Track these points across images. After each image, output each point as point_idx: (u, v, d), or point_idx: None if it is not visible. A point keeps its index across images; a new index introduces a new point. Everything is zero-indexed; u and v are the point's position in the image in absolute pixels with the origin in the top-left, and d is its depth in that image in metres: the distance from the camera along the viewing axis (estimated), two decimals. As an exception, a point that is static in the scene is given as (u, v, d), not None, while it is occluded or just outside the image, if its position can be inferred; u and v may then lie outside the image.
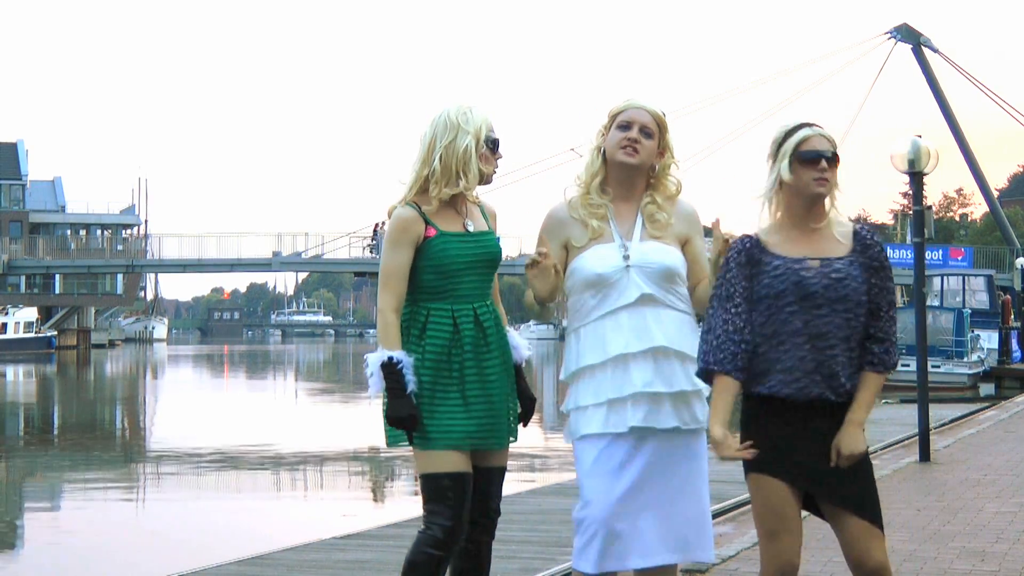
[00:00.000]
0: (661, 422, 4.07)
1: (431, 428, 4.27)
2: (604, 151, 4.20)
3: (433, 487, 4.28)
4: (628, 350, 4.06)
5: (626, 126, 4.15)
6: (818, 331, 3.90)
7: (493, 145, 4.39)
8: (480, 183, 4.41)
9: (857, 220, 4.08)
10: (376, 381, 4.26)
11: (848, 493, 3.91)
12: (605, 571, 4.09)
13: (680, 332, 4.13)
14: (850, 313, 3.93)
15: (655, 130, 4.17)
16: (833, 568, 6.42)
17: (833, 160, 3.96)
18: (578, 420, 4.17)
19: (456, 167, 4.31)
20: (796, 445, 3.92)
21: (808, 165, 3.93)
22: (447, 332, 4.31)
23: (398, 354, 4.24)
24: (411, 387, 4.23)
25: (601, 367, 4.09)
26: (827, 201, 3.99)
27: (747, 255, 3.97)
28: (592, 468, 4.09)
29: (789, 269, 3.95)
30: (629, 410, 4.05)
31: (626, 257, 4.11)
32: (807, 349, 3.91)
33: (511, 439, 4.47)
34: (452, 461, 4.26)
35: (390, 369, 4.21)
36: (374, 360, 4.25)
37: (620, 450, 4.06)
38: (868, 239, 3.99)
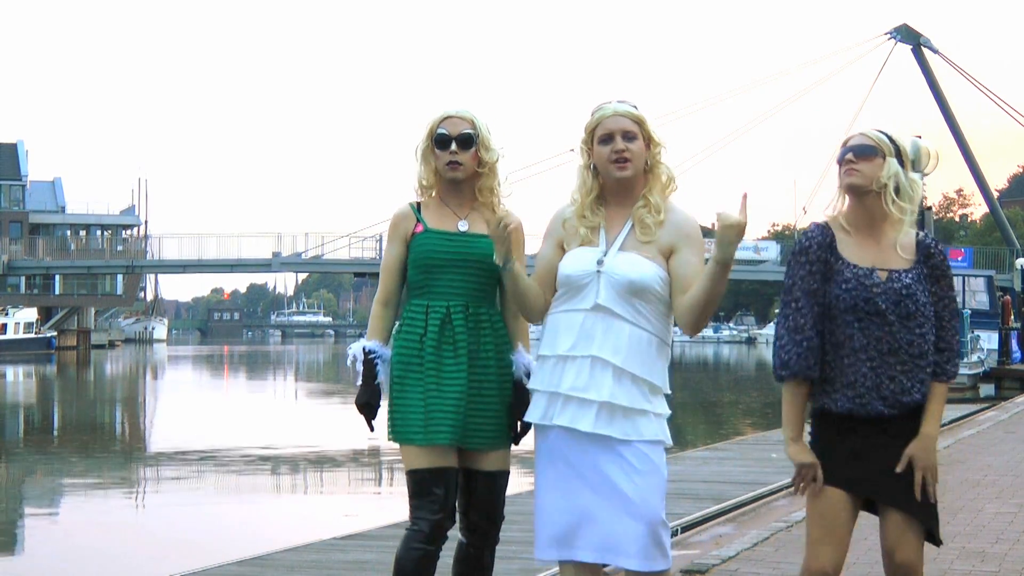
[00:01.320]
0: (585, 426, 4.05)
1: (397, 421, 4.36)
2: (595, 167, 4.18)
3: (416, 482, 4.32)
4: (570, 352, 4.09)
5: (608, 138, 4.12)
6: (890, 347, 3.91)
7: (439, 141, 4.40)
8: (450, 179, 4.42)
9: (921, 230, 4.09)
10: (357, 365, 4.47)
11: (903, 496, 3.94)
12: (552, 558, 4.17)
13: (630, 348, 4.06)
14: (921, 328, 3.93)
15: (636, 130, 4.13)
16: (833, 569, 6.41)
17: (865, 152, 3.97)
18: (531, 404, 4.27)
19: (422, 166, 4.51)
20: (860, 457, 3.95)
21: (842, 160, 4.02)
22: (418, 328, 4.38)
23: (372, 344, 4.43)
24: (380, 377, 4.42)
25: (546, 359, 4.17)
26: (866, 201, 3.97)
27: (818, 255, 3.96)
28: (538, 455, 4.18)
29: (860, 284, 3.93)
30: (559, 407, 4.10)
31: (599, 262, 4.09)
32: (870, 365, 3.92)
33: (503, 443, 4.44)
34: (429, 456, 4.30)
35: (364, 358, 4.42)
36: (354, 349, 4.48)
37: (547, 442, 4.14)
38: (932, 248, 4.01)
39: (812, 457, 3.97)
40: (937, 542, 4.03)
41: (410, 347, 4.38)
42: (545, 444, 4.16)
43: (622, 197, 4.18)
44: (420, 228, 4.43)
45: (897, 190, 3.97)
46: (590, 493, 4.06)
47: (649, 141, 4.17)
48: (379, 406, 4.42)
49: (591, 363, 4.07)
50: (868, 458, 3.95)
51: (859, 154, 3.97)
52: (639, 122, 4.14)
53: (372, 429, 4.47)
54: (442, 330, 4.36)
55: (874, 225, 4.00)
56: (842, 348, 3.93)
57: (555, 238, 4.24)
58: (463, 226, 4.43)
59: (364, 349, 4.42)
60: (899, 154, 3.99)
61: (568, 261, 4.16)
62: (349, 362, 4.48)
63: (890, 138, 4.01)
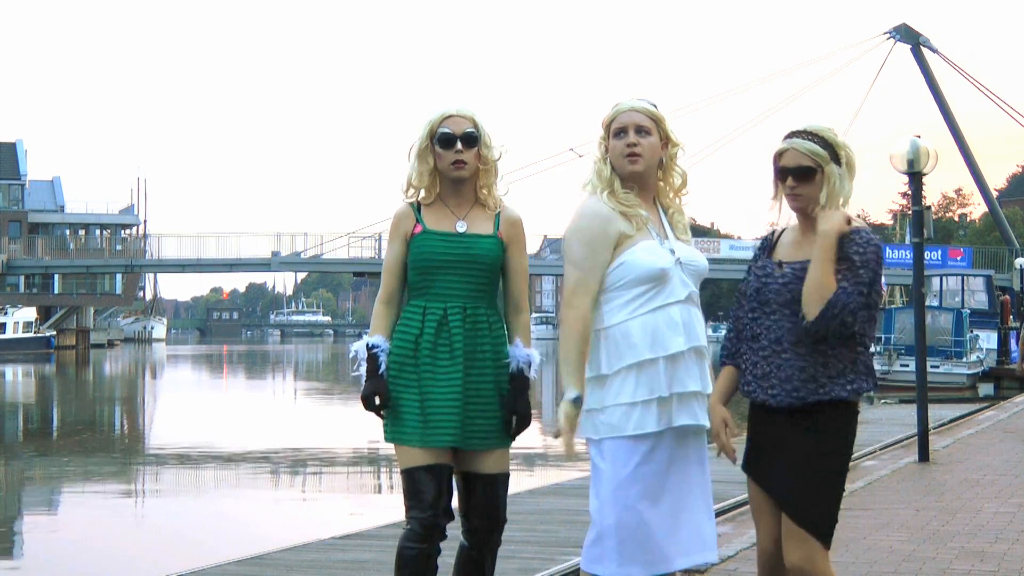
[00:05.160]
0: (701, 420, 4.07)
1: (396, 424, 4.37)
2: (610, 162, 4.17)
3: (408, 482, 4.33)
4: (682, 348, 4.02)
5: (622, 132, 4.12)
6: (775, 336, 3.98)
7: (442, 140, 4.36)
8: (455, 177, 4.40)
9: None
10: (361, 363, 4.44)
11: (787, 492, 3.97)
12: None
13: (704, 334, 4.16)
14: (780, 331, 3.95)
15: (651, 125, 4.13)
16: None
17: (805, 175, 3.95)
18: (624, 417, 4.00)
19: (416, 166, 4.43)
20: (761, 444, 4.07)
21: (782, 180, 4.01)
22: (414, 329, 4.37)
23: (375, 339, 4.40)
24: (382, 369, 4.37)
25: (652, 363, 4.00)
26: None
27: (758, 254, 4.12)
28: (635, 470, 3.97)
29: (757, 277, 4.05)
30: (675, 408, 4.01)
31: (672, 251, 4.09)
32: (761, 355, 4.00)
33: (501, 444, 4.41)
34: (421, 455, 4.30)
35: (368, 352, 4.38)
36: (356, 346, 4.45)
37: (661, 451, 4.01)
38: (848, 236, 3.92)
39: (714, 420, 4.08)
40: (824, 544, 3.95)
41: (404, 348, 4.37)
42: (639, 456, 3.98)
43: (641, 191, 4.17)
44: (419, 229, 4.39)
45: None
46: (683, 494, 4.02)
47: (667, 140, 4.19)
48: (386, 396, 4.33)
49: (695, 354, 4.07)
50: (765, 448, 4.04)
51: (798, 178, 3.96)
52: (655, 119, 4.15)
53: (383, 419, 4.39)
54: (438, 332, 4.34)
55: (808, 228, 4.01)
56: (749, 340, 4.05)
57: (612, 236, 4.06)
58: (461, 227, 4.39)
59: (368, 344, 4.39)
60: (835, 154, 3.98)
61: (648, 255, 4.04)
62: (351, 357, 4.44)
63: (824, 141, 3.97)
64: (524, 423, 4.41)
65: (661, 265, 4.04)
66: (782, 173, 3.99)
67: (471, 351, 4.36)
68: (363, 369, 4.40)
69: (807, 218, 4.02)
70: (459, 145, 4.35)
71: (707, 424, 4.08)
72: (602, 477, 4.02)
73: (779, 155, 4.01)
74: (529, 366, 4.42)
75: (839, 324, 3.84)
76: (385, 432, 4.42)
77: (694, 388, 4.03)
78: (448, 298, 4.36)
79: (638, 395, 4.00)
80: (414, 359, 4.35)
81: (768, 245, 4.12)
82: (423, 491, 4.29)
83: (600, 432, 4.04)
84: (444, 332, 4.35)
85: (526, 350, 4.44)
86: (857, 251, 3.90)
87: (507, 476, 4.46)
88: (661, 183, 4.22)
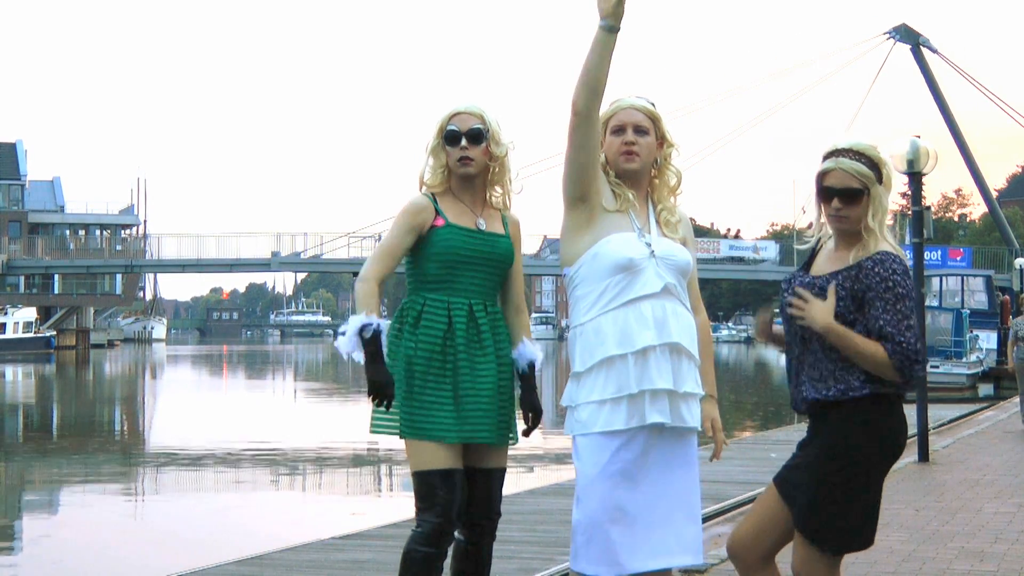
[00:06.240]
0: (676, 420, 3.99)
1: (421, 419, 4.31)
2: (605, 156, 4.17)
3: (423, 484, 4.31)
4: (652, 343, 3.96)
5: (620, 130, 4.12)
6: (794, 343, 4.01)
7: (449, 137, 4.41)
8: (462, 174, 4.43)
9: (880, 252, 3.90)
10: (350, 341, 4.24)
11: (794, 494, 3.96)
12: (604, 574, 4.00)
13: (690, 332, 4.07)
14: (804, 331, 3.92)
15: (649, 125, 4.13)
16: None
17: (852, 197, 3.86)
18: (594, 414, 3.99)
19: (429, 163, 4.49)
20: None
21: (826, 200, 3.92)
22: (442, 324, 4.35)
23: (373, 319, 4.24)
24: (384, 354, 4.27)
25: (622, 359, 3.96)
26: (861, 233, 3.91)
27: (798, 270, 4.11)
28: (604, 468, 3.95)
29: (786, 289, 4.03)
30: (647, 406, 3.95)
31: (648, 245, 4.07)
32: (791, 364, 4.02)
33: (510, 441, 4.48)
34: (441, 457, 4.29)
35: (370, 333, 4.22)
36: (354, 322, 4.25)
37: (632, 450, 3.96)
38: (866, 265, 3.85)
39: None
40: (822, 551, 3.93)
41: (434, 342, 4.33)
42: (608, 453, 3.94)
43: (633, 188, 4.17)
44: (441, 222, 4.39)
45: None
46: (662, 494, 3.99)
47: (662, 140, 4.18)
48: (393, 383, 4.25)
49: (671, 351, 3.99)
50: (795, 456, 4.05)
51: (845, 200, 3.87)
52: (653, 118, 4.15)
53: (388, 409, 4.27)
54: (469, 327, 4.36)
55: (852, 242, 3.95)
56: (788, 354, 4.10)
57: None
58: (482, 224, 4.45)
59: (375, 325, 4.24)
60: (879, 173, 3.90)
61: (620, 245, 4.01)
62: (345, 339, 4.26)
63: (870, 161, 3.88)
64: (539, 419, 4.52)
65: (630, 255, 4.00)
66: (827, 194, 3.88)
67: (494, 347, 4.44)
68: (348, 345, 4.25)
69: (848, 236, 3.92)
70: (464, 142, 4.40)
71: (691, 424, 4.02)
72: (576, 474, 4.05)
73: (823, 175, 3.90)
74: (534, 365, 4.53)
75: (920, 368, 3.83)
76: (407, 428, 4.32)
77: (664, 386, 3.94)
78: (472, 294, 4.40)
79: (607, 392, 3.97)
80: (442, 353, 4.33)
81: (805, 260, 4.08)
82: (437, 495, 4.27)
83: (574, 429, 4.05)
84: (473, 328, 4.37)
85: (532, 348, 4.53)
86: (879, 294, 3.81)
87: (504, 471, 4.51)
88: (656, 181, 4.22)
